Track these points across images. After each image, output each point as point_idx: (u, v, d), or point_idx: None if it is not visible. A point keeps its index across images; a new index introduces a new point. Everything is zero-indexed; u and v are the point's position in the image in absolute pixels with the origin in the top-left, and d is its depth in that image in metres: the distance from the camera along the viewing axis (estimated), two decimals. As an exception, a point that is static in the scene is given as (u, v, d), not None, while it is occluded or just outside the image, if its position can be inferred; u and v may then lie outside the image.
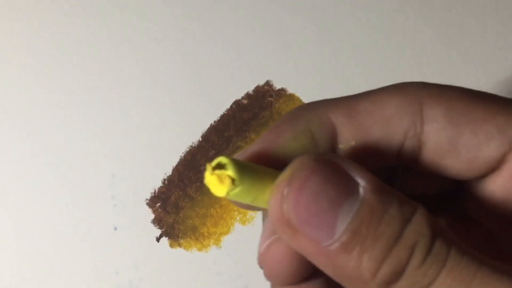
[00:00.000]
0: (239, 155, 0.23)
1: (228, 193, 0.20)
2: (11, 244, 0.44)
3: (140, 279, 0.43)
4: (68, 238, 0.44)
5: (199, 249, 0.44)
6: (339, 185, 0.20)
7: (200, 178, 0.44)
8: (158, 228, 0.44)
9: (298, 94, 0.46)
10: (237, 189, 0.20)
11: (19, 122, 0.45)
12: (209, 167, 0.21)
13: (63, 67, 0.46)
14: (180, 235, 0.44)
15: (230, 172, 0.20)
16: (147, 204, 0.44)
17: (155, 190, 0.45)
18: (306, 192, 0.20)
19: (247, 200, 0.21)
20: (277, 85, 0.46)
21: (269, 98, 0.45)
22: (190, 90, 0.46)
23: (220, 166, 0.21)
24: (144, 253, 0.44)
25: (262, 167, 0.22)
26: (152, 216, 0.44)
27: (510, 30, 0.47)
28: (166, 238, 0.44)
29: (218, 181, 0.20)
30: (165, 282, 0.43)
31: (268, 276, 0.23)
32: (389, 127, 0.23)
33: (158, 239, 0.44)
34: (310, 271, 0.23)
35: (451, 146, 0.23)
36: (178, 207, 0.44)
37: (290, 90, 0.46)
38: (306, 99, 0.46)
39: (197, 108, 0.45)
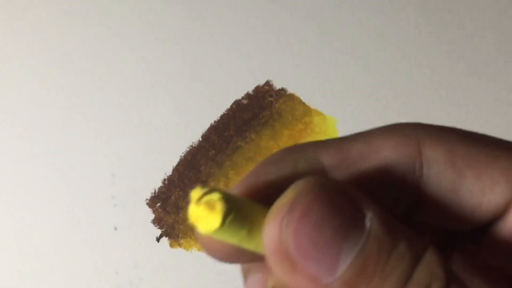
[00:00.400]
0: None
1: (221, 223, 0.17)
2: (11, 244, 0.44)
3: (140, 279, 0.43)
4: (68, 238, 0.44)
5: (199, 249, 0.44)
6: (345, 214, 0.18)
7: (200, 178, 0.44)
8: (158, 228, 0.44)
9: (298, 94, 0.46)
10: (231, 216, 0.18)
11: (19, 122, 0.45)
12: (194, 197, 0.18)
13: (63, 67, 0.46)
14: (180, 235, 0.44)
15: (219, 195, 0.18)
16: (147, 204, 0.44)
17: (155, 190, 0.45)
18: (309, 220, 0.18)
19: (241, 234, 0.18)
20: (277, 85, 0.46)
21: (269, 98, 0.45)
22: (190, 90, 0.46)
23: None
24: (144, 253, 0.44)
25: (249, 199, 0.19)
26: (152, 216, 0.44)
27: (510, 30, 0.47)
28: (166, 238, 0.44)
29: (207, 211, 0.17)
30: (165, 282, 0.43)
31: None
32: (385, 172, 0.21)
33: (158, 239, 0.44)
34: None
35: (453, 192, 0.21)
36: (178, 207, 0.44)
37: (290, 90, 0.46)
38: (306, 99, 0.46)
39: (197, 108, 0.45)
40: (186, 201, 0.44)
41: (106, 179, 0.45)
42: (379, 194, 0.21)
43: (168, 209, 0.44)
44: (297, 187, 0.18)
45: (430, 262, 0.18)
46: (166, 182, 0.44)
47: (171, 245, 0.44)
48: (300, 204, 0.18)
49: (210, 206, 0.17)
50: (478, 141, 0.21)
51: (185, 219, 0.44)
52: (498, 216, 0.21)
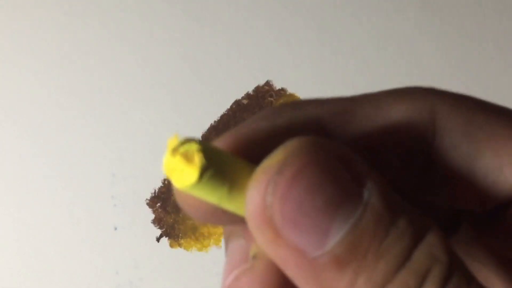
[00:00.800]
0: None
1: (198, 178, 0.15)
2: (11, 244, 0.44)
3: (140, 279, 0.43)
4: (68, 238, 0.44)
5: (199, 249, 0.44)
6: (341, 182, 0.16)
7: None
8: (158, 228, 0.44)
9: (298, 94, 0.46)
10: (210, 171, 0.15)
11: (19, 122, 0.45)
12: (170, 146, 0.16)
13: (63, 67, 0.46)
14: (180, 235, 0.44)
15: (197, 146, 0.15)
16: (147, 204, 0.44)
17: (155, 190, 0.44)
18: (299, 185, 0.16)
19: (220, 193, 0.16)
20: (277, 85, 0.46)
21: (269, 98, 0.45)
22: (190, 90, 0.46)
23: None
24: (144, 253, 0.44)
25: (233, 154, 0.17)
26: (152, 216, 0.44)
27: (511, 30, 0.47)
28: (166, 238, 0.44)
29: (184, 163, 0.15)
30: (165, 282, 0.43)
31: None
32: (393, 138, 0.18)
33: (158, 239, 0.44)
34: None
35: (467, 166, 0.18)
36: (178, 207, 0.44)
37: (290, 90, 0.46)
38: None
39: (197, 108, 0.45)
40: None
41: (106, 179, 0.45)
42: (385, 163, 0.19)
43: (168, 209, 0.44)
44: (288, 147, 0.16)
45: (432, 244, 0.16)
46: (166, 182, 0.44)
47: (171, 245, 0.44)
48: (291, 166, 0.16)
49: (188, 158, 0.15)
50: (498, 113, 0.19)
51: (185, 219, 0.44)
52: None
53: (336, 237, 0.16)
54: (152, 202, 0.44)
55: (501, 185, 0.18)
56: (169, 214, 0.44)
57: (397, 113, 0.18)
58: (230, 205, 0.16)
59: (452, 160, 0.19)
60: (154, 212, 0.44)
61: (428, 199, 0.20)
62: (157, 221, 0.44)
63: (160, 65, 0.46)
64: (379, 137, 0.18)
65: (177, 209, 0.44)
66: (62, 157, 0.45)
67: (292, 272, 0.16)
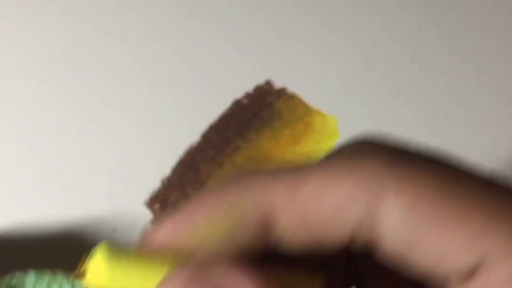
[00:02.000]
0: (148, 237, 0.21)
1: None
2: (11, 244, 0.44)
3: (139, 280, 0.43)
4: (66, 239, 0.44)
5: (199, 250, 0.43)
6: None
7: (200, 179, 0.44)
8: (157, 229, 0.44)
9: (298, 94, 0.46)
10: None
11: (17, 122, 0.45)
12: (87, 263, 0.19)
13: (62, 67, 0.46)
14: (179, 236, 0.44)
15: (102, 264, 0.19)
16: (146, 204, 0.44)
17: (154, 191, 0.44)
18: None
19: None
20: (277, 85, 0.46)
21: (269, 98, 0.45)
22: (190, 90, 0.45)
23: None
24: (143, 254, 0.43)
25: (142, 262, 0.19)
26: (151, 217, 0.44)
27: (511, 29, 0.47)
28: (166, 239, 0.43)
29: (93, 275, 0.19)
30: (164, 284, 0.43)
31: None
32: (336, 220, 0.19)
33: (157, 240, 0.43)
34: None
35: (408, 251, 0.18)
36: (177, 208, 0.44)
37: (290, 90, 0.46)
38: (306, 99, 0.45)
39: (197, 108, 0.45)
40: (185, 201, 0.44)
41: (105, 180, 0.44)
42: (327, 247, 0.19)
43: (167, 210, 0.44)
44: (170, 281, 0.18)
45: None
46: (165, 183, 0.44)
47: (171, 246, 0.43)
48: None
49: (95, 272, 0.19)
50: (454, 188, 0.18)
51: (184, 220, 0.44)
52: (458, 283, 0.18)
53: None
54: (151, 202, 0.44)
55: (440, 274, 0.18)
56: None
57: (342, 192, 0.18)
58: None
59: (391, 243, 0.18)
60: (153, 213, 0.44)
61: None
62: (156, 222, 0.44)
63: (159, 65, 0.46)
64: (322, 220, 0.19)
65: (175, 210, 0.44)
66: (60, 158, 0.45)
67: None
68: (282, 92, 0.45)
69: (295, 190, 0.19)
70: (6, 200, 0.44)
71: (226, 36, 0.45)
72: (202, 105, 0.45)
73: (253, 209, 0.19)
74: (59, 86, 0.45)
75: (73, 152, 0.44)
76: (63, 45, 0.46)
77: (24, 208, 0.44)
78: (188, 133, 0.45)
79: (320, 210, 0.18)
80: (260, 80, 0.45)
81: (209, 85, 0.45)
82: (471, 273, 0.18)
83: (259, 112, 0.45)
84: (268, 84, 0.45)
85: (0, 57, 0.46)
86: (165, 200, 0.44)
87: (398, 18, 0.46)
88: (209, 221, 0.19)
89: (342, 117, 0.46)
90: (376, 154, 0.19)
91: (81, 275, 0.19)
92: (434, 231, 0.18)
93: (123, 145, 0.44)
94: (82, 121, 0.45)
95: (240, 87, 0.45)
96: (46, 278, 0.34)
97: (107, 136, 0.44)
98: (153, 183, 0.44)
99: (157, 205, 0.44)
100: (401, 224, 0.18)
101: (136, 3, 0.46)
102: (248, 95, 0.45)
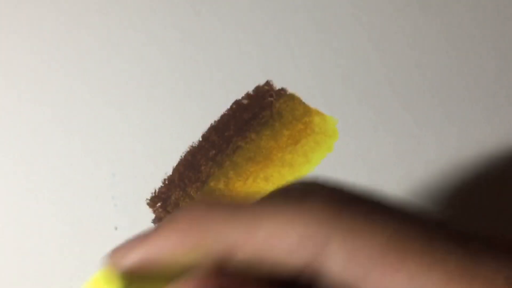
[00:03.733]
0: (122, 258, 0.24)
1: None
2: (11, 244, 0.44)
3: (141, 279, 0.43)
4: (68, 238, 0.44)
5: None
6: None
7: (201, 178, 0.44)
8: (159, 228, 0.44)
9: (298, 94, 0.46)
10: None
11: (19, 122, 0.45)
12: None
13: (63, 67, 0.46)
14: (180, 235, 0.44)
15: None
16: (148, 204, 0.44)
17: (155, 190, 0.45)
18: None
19: None
20: (277, 85, 0.46)
21: (269, 98, 0.46)
22: (190, 90, 0.46)
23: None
24: (144, 253, 0.44)
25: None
26: (153, 216, 0.44)
27: (511, 29, 0.47)
28: (167, 238, 0.44)
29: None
30: (165, 282, 0.43)
31: None
32: (286, 262, 0.21)
33: (158, 239, 0.44)
34: None
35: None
36: (179, 206, 0.44)
37: (290, 90, 0.46)
38: (306, 99, 0.46)
39: (197, 108, 0.45)
40: (186, 201, 0.44)
41: (107, 179, 0.45)
42: (278, 282, 0.21)
43: (168, 209, 0.44)
44: None
45: None
46: (166, 182, 0.44)
47: (172, 245, 0.44)
48: None
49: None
50: (395, 235, 0.20)
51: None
52: None
53: None
54: (153, 202, 0.44)
55: None
56: (170, 214, 0.44)
57: (292, 236, 0.21)
58: None
59: (335, 283, 0.20)
60: (154, 212, 0.44)
61: None
62: (157, 221, 0.44)
63: (159, 65, 0.46)
64: (274, 259, 0.21)
65: (177, 209, 0.44)
66: (62, 157, 0.45)
67: None
68: (282, 92, 0.45)
69: (250, 234, 0.21)
70: (7, 200, 0.44)
71: (226, 36, 0.46)
72: (202, 105, 0.45)
73: (215, 247, 0.21)
74: (62, 86, 0.46)
75: (75, 152, 0.45)
76: (65, 45, 0.46)
77: (25, 207, 0.44)
78: (188, 133, 0.45)
79: (273, 252, 0.21)
80: (260, 80, 0.45)
81: (209, 85, 0.45)
82: None
83: (259, 112, 0.45)
84: (268, 84, 0.45)
85: (3, 57, 0.46)
86: (166, 199, 0.44)
87: (398, 18, 0.46)
88: (176, 253, 0.22)
89: (342, 117, 0.46)
90: (323, 201, 0.21)
91: None
92: (376, 272, 0.20)
93: (125, 144, 0.45)
94: (83, 121, 0.45)
95: (240, 87, 0.45)
96: None
97: (108, 136, 0.45)
98: (155, 182, 0.45)
99: (158, 204, 0.44)
100: (343, 268, 0.20)
101: (136, 3, 0.46)
102: (248, 95, 0.45)
